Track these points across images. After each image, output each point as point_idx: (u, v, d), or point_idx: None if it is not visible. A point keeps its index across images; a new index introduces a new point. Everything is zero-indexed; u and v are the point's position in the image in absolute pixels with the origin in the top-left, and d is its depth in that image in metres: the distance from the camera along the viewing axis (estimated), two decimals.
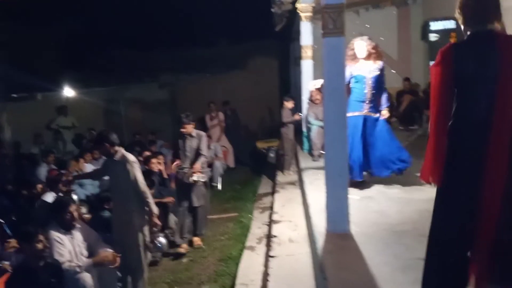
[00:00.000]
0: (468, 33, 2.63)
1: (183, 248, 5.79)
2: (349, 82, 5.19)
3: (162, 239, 5.68)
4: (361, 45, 5.25)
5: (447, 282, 2.59)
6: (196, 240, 5.97)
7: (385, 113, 5.36)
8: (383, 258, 3.49)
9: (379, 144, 5.27)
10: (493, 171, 2.49)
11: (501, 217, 2.49)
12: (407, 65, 10.71)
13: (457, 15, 2.70)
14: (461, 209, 2.56)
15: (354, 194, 4.87)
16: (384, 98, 5.38)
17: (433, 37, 8.91)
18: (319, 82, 7.11)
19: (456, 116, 2.58)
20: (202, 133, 6.04)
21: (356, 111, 5.20)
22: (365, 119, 5.22)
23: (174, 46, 14.78)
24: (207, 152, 6.10)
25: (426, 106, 7.01)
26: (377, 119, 5.30)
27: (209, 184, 7.38)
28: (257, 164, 10.43)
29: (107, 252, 4.26)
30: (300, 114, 8.40)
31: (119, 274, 4.59)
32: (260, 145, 10.89)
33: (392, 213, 4.52)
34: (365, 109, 5.23)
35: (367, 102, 5.24)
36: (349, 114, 4.81)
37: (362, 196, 5.20)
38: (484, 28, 2.58)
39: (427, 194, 4.03)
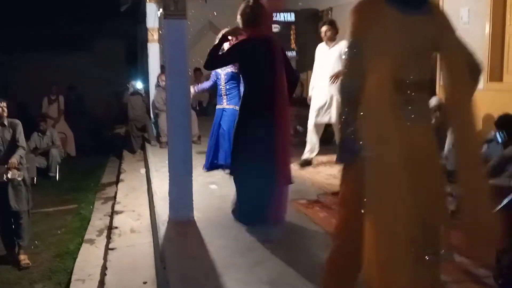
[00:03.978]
0: (247, 32, 3.72)
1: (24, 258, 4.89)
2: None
3: None
4: None
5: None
6: (23, 258, 4.88)
7: None
8: (223, 242, 3.55)
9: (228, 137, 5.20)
10: (280, 137, 3.49)
11: None
12: None
13: (238, 19, 3.76)
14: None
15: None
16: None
17: (274, 28, 9.33)
18: None
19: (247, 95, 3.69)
20: (17, 121, 5.06)
21: (218, 104, 5.35)
22: (223, 111, 5.27)
23: (6, 22, 13.11)
24: (24, 143, 5.21)
25: None
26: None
27: (31, 180, 6.09)
28: (102, 152, 9.87)
29: None
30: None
31: None
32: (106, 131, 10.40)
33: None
34: (224, 102, 5.28)
35: (224, 95, 5.28)
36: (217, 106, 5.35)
37: (207, 182, 5.24)
38: (258, 29, 3.66)
39: None
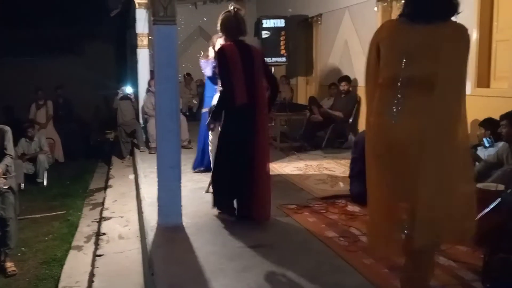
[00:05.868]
0: (230, 41, 3.92)
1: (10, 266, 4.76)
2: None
3: None
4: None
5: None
6: (10, 265, 4.76)
7: None
8: (212, 248, 3.53)
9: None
10: (261, 129, 3.92)
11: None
12: None
13: (220, 29, 3.96)
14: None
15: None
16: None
17: (264, 34, 9.39)
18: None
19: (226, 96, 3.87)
20: (6, 128, 4.91)
21: (206, 107, 5.35)
22: None
23: None
24: (13, 151, 4.94)
25: None
26: None
27: (18, 186, 6.00)
28: (90, 158, 9.79)
29: None
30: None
31: None
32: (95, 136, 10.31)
33: None
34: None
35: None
36: (203, 110, 5.44)
37: (196, 188, 5.22)
38: (239, 39, 3.90)
39: None
